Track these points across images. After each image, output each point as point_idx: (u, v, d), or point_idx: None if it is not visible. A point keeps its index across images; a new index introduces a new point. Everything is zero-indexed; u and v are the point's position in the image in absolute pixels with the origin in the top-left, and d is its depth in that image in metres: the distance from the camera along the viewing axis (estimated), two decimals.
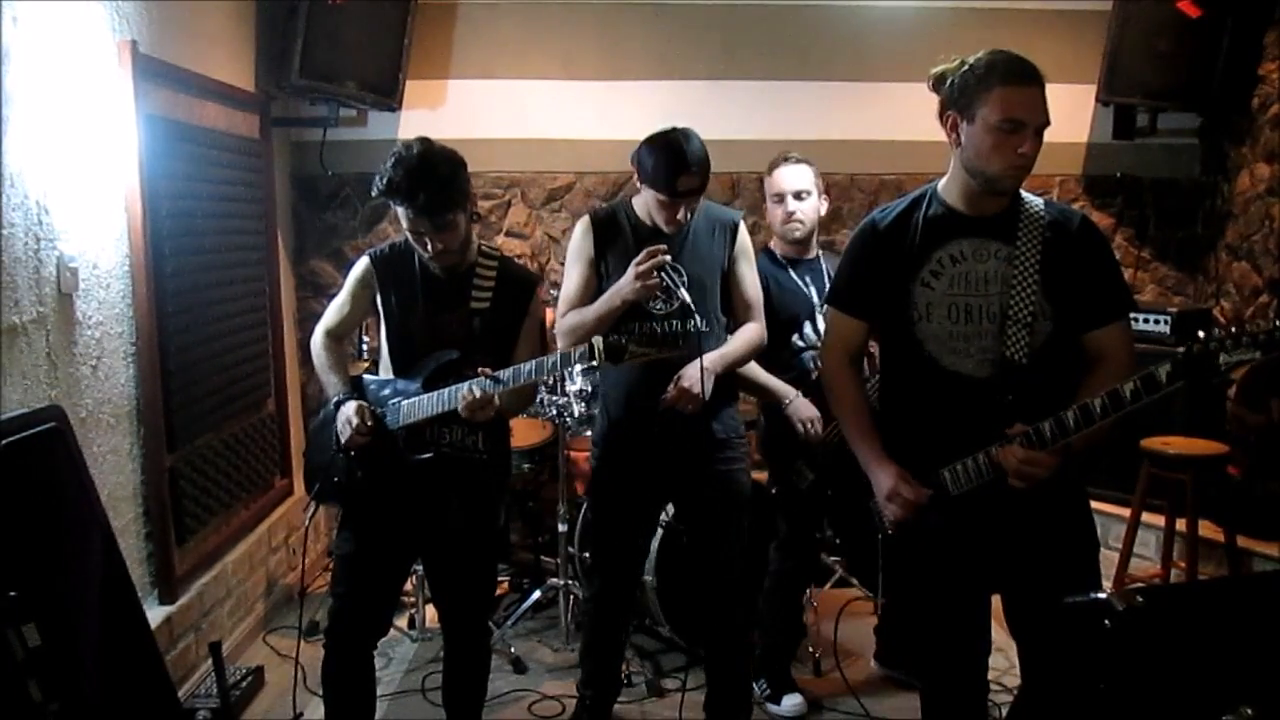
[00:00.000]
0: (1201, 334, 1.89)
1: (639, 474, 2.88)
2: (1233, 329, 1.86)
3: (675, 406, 2.72)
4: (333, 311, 2.75)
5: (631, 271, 2.65)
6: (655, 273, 2.62)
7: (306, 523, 2.97)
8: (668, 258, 2.64)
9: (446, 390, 2.52)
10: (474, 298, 2.62)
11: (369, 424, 2.55)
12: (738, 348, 2.83)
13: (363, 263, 2.71)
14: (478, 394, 2.43)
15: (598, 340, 2.38)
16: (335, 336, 2.74)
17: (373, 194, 2.52)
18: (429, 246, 2.52)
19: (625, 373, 2.76)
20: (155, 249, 3.19)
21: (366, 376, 2.76)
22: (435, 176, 2.45)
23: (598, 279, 2.81)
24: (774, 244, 3.28)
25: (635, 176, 2.75)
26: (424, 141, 2.51)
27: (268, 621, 3.97)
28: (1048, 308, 2.14)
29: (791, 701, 3.30)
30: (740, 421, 2.96)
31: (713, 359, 2.74)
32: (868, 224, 2.33)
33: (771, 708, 3.32)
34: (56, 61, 2.73)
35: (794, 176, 3.18)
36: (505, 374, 2.47)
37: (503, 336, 2.66)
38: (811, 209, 3.19)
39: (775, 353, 3.07)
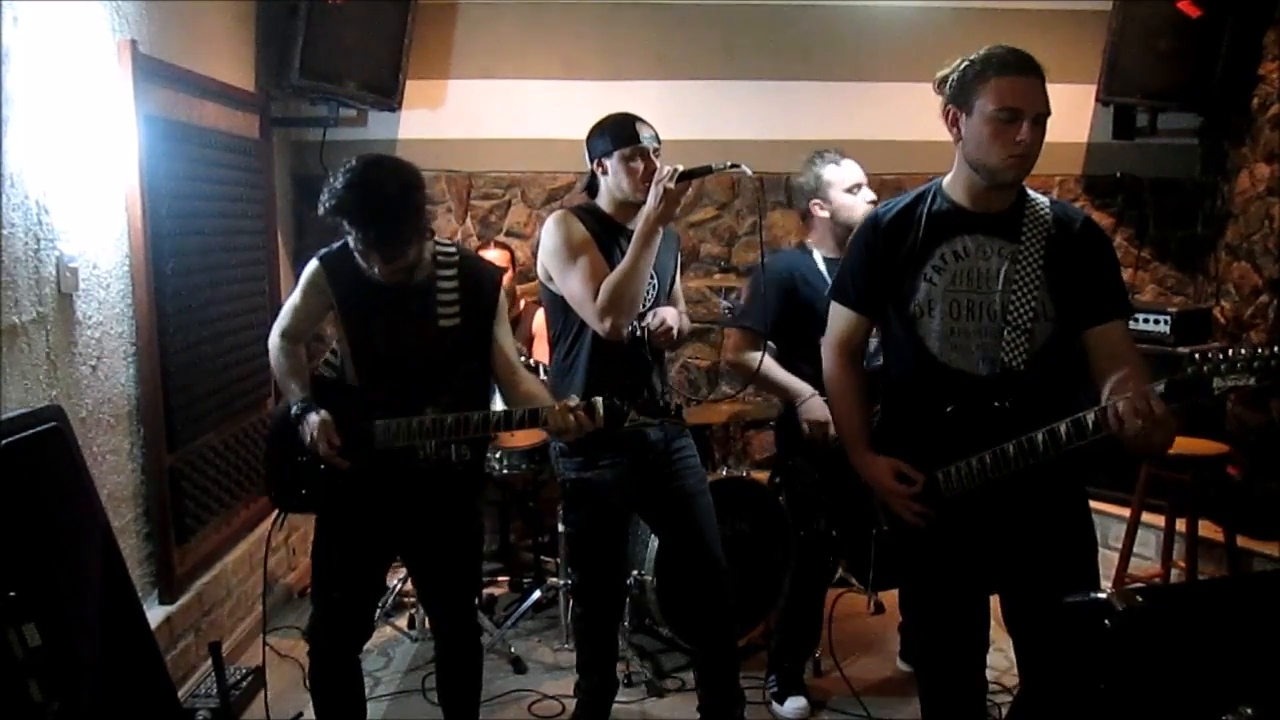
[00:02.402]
0: (1197, 357, 1.91)
1: (615, 484, 2.85)
2: (1229, 351, 1.87)
3: (655, 334, 2.81)
4: (287, 313, 2.65)
5: (655, 191, 2.62)
6: (675, 181, 2.61)
7: (270, 530, 2.84)
8: (679, 166, 2.63)
9: (429, 419, 2.43)
10: (442, 315, 2.50)
11: (338, 444, 2.47)
12: (686, 325, 2.99)
13: (313, 265, 2.57)
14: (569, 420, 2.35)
15: (599, 401, 2.35)
16: (291, 338, 2.64)
17: (319, 211, 2.35)
18: (376, 269, 2.41)
19: (591, 373, 2.77)
20: (155, 249, 3.19)
21: (326, 378, 2.68)
22: (388, 207, 2.30)
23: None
24: (820, 241, 3.22)
25: (598, 169, 2.79)
26: (375, 164, 2.36)
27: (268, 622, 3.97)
28: (1051, 308, 2.15)
29: (795, 704, 3.29)
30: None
31: (675, 315, 2.85)
32: (870, 219, 2.33)
33: (775, 707, 3.32)
34: (56, 61, 2.73)
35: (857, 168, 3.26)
36: (498, 414, 2.46)
37: (477, 345, 2.58)
38: None
39: (810, 352, 3.00)
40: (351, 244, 2.41)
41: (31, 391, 2.58)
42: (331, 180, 2.35)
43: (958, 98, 2.13)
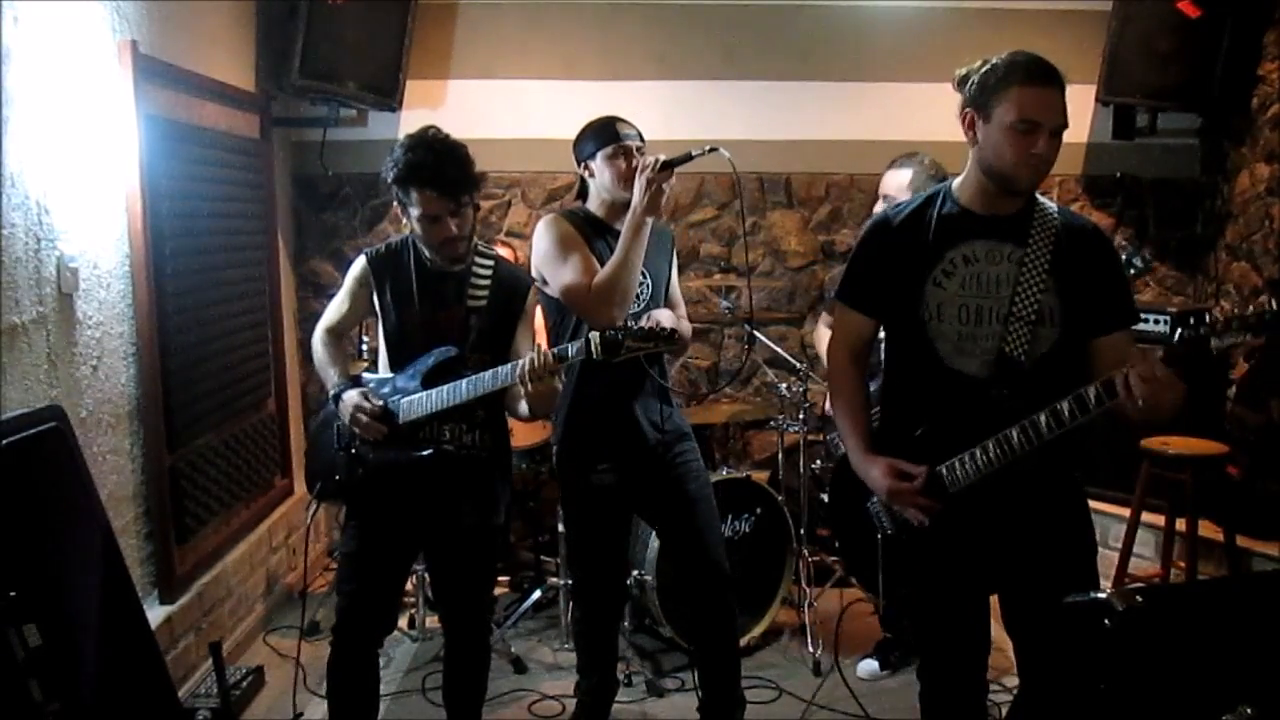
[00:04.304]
0: (1193, 320, 1.93)
1: (610, 487, 2.86)
2: (1221, 315, 1.89)
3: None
4: (332, 310, 2.78)
5: (640, 183, 2.66)
6: (658, 170, 2.66)
7: (308, 522, 2.99)
8: (660, 157, 2.67)
9: (447, 387, 2.53)
10: (471, 296, 2.64)
11: (377, 405, 2.58)
12: (685, 329, 2.99)
13: (359, 262, 2.72)
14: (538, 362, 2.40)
15: (594, 335, 2.38)
16: (334, 334, 2.77)
17: (389, 179, 2.54)
18: (446, 230, 2.54)
19: (585, 376, 2.81)
20: (155, 249, 3.19)
21: (365, 375, 2.76)
22: (457, 156, 2.54)
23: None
24: None
25: (586, 172, 2.84)
26: (435, 128, 2.59)
27: (268, 621, 3.97)
28: (1057, 311, 2.15)
29: (867, 666, 3.55)
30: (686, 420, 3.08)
31: (672, 317, 2.83)
32: (880, 219, 2.33)
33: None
34: (56, 61, 2.73)
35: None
36: (504, 369, 2.47)
37: (499, 334, 2.67)
38: None
39: None
40: (418, 212, 2.54)
41: (31, 391, 2.58)
42: (391, 154, 2.54)
43: (977, 101, 2.12)
